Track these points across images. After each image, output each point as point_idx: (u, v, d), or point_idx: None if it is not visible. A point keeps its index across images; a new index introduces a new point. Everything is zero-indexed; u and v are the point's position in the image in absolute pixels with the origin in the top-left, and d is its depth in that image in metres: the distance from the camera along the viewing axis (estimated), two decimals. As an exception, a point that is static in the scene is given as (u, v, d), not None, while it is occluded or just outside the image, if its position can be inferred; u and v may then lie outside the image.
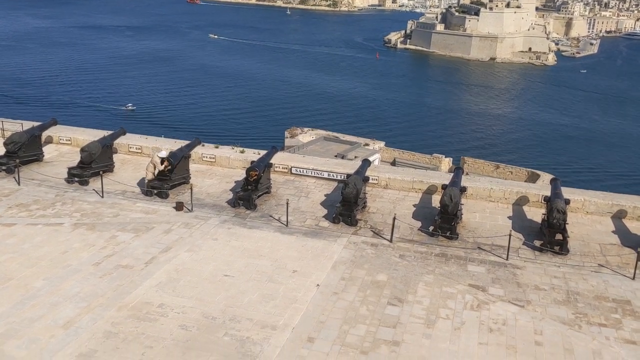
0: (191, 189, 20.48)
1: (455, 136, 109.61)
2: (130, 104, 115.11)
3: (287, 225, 19.01)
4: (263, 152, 23.51)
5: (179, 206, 19.96)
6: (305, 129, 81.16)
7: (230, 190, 21.97)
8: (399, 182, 22.44)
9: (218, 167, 24.39)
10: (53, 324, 13.42)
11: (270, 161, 22.08)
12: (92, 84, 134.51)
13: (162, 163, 21.23)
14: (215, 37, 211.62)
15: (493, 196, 21.49)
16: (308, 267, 16.33)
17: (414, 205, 21.04)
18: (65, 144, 26.47)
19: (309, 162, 24.09)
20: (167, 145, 25.07)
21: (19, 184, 21.76)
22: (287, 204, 19.34)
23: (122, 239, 17.70)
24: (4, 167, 22.82)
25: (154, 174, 21.18)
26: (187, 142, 24.20)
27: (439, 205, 18.85)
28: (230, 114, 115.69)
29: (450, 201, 18.37)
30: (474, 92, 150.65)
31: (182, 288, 15.10)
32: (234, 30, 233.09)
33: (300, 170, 23.40)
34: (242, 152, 24.94)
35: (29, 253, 16.63)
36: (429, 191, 22.05)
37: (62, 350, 12.54)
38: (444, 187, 19.43)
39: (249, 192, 20.34)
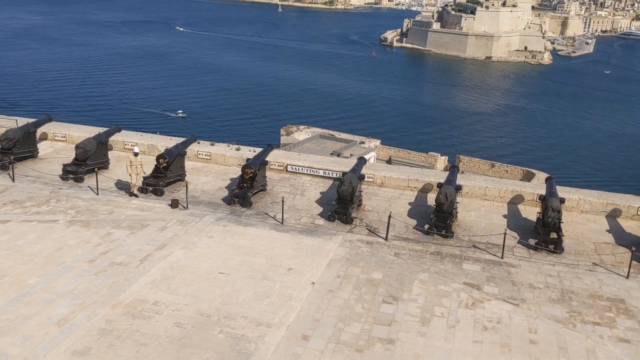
0: (186, 186, 20.43)
1: (451, 134, 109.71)
2: (180, 111, 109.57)
3: (282, 223, 18.99)
4: (259, 150, 23.49)
5: (174, 203, 19.91)
6: (301, 127, 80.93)
7: (226, 187, 21.93)
8: (395, 180, 22.43)
9: (213, 164, 24.35)
10: (47, 321, 13.38)
11: (266, 159, 22.05)
12: (84, 81, 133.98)
13: (135, 155, 20.65)
14: (182, 29, 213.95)
15: (488, 195, 21.52)
16: (303, 265, 16.32)
17: (410, 204, 21.05)
18: (60, 140, 26.39)
19: (305, 160, 24.07)
20: (162, 143, 25.03)
21: (13, 180, 21.67)
22: (283, 201, 19.33)
23: (117, 236, 17.65)
24: (-2, 164, 22.73)
25: (136, 173, 20.63)
26: (182, 139, 24.14)
27: (435, 204, 18.84)
28: (225, 111, 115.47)
29: (446, 199, 18.37)
30: (470, 91, 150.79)
31: (177, 285, 15.07)
32: (228, 27, 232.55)
33: (295, 168, 23.38)
34: (237, 149, 24.90)
35: (23, 250, 16.57)
36: (425, 189, 22.06)
37: (56, 347, 12.50)
38: (440, 185, 19.45)
39: (245, 190, 20.31)
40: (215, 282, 15.32)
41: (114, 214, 19.25)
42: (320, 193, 21.74)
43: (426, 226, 18.75)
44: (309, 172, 23.21)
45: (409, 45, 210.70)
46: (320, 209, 20.24)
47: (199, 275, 15.63)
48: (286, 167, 23.49)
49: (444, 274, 16.22)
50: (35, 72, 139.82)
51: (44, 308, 13.85)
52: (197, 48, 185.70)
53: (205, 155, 24.48)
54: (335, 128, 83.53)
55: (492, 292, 15.41)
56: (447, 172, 21.73)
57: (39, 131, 25.66)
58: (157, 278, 15.37)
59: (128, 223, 18.57)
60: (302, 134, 76.85)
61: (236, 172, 22.62)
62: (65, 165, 22.22)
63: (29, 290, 14.55)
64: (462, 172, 25.86)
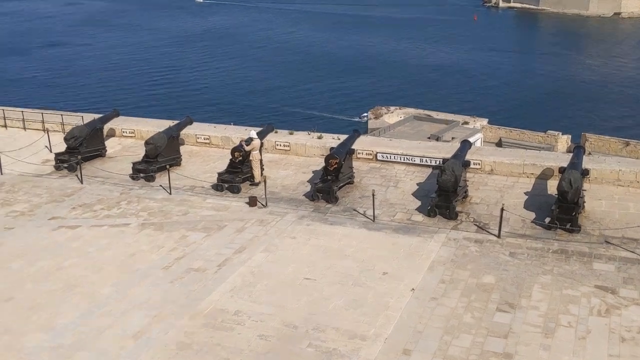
0: (265, 181, 20.92)
1: (573, 109, 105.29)
2: (365, 114, 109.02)
3: (374, 220, 19.06)
4: (344, 137, 23.64)
5: (253, 201, 20.44)
6: (392, 108, 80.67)
7: (308, 181, 22.27)
8: (507, 166, 22.01)
9: (293, 155, 24.77)
10: (122, 334, 14.17)
11: (352, 147, 22.17)
12: (151, 69, 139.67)
13: (247, 144, 21.83)
14: (201, 1, 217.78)
15: (622, 179, 20.74)
16: (400, 269, 16.32)
17: (526, 194, 20.62)
18: (129, 136, 27.70)
19: (397, 147, 24.01)
20: (237, 134, 25.74)
21: (81, 182, 23.05)
22: (373, 195, 19.39)
23: (193, 239, 18.39)
24: (65, 165, 24.20)
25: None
26: (258, 128, 24.66)
27: (556, 193, 18.45)
28: (304, 95, 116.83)
29: (570, 187, 17.91)
30: (595, 56, 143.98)
31: (259, 293, 15.50)
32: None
33: (387, 156, 23.36)
34: (319, 137, 25.18)
35: (95, 257, 17.63)
36: (544, 176, 21.54)
37: (133, 362, 13.22)
38: (562, 170, 18.98)
39: (329, 183, 20.53)
40: (301, 288, 15.62)
41: (189, 214, 20.06)
42: (417, 184, 21.63)
43: (547, 219, 18.34)
44: (402, 161, 23.14)
45: (518, 5, 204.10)
46: (418, 203, 20.14)
47: (282, 281, 16.00)
48: (376, 156, 23.51)
49: (570, 275, 15.75)
50: (97, 63, 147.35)
51: (119, 320, 14.68)
52: (267, 24, 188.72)
53: (284, 145, 24.94)
54: (432, 108, 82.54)
55: (630, 296, 14.80)
56: (571, 154, 21.15)
57: (106, 127, 26.95)
58: (238, 285, 15.88)
59: (204, 224, 19.29)
60: (393, 116, 76.64)
61: (319, 163, 22.89)
62: (135, 164, 23.34)
63: (102, 301, 15.47)
64: (589, 154, 24.94)
